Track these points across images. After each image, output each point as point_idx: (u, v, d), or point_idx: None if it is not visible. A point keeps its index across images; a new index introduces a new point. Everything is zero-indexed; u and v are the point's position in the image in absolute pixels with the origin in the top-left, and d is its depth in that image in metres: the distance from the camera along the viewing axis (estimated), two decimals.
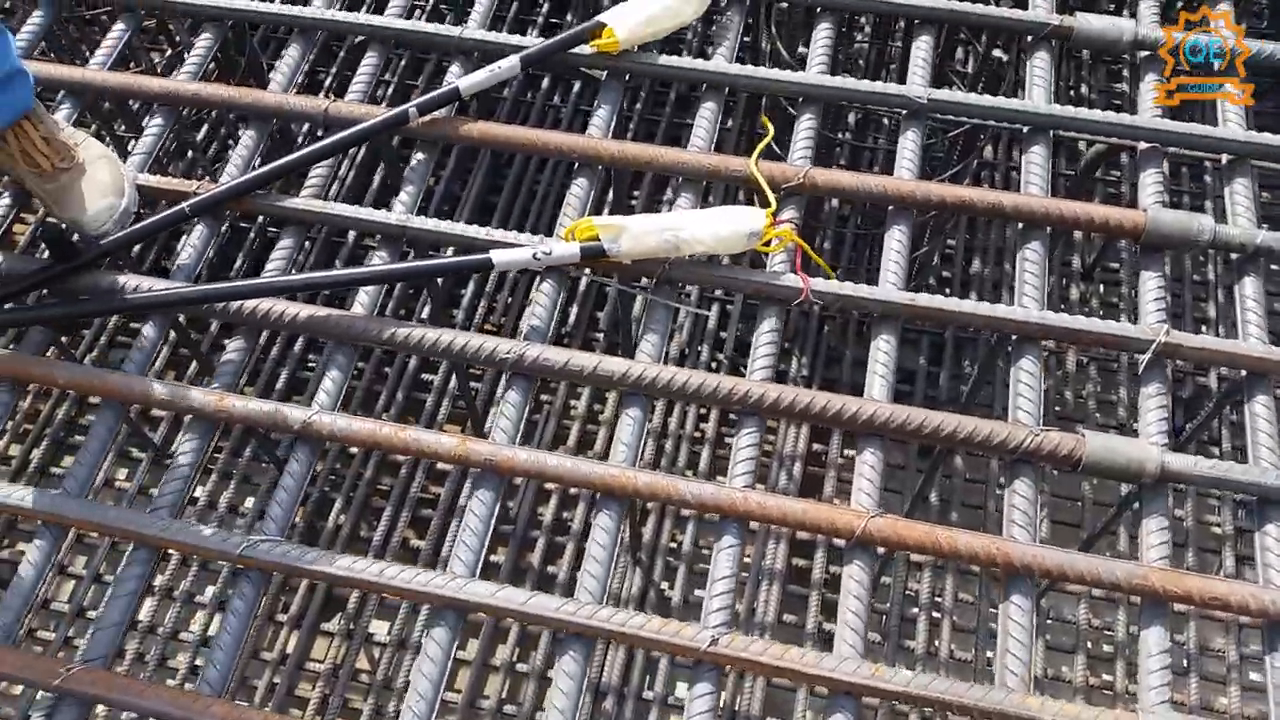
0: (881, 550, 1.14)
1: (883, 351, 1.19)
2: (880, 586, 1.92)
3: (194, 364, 2.15)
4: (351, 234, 2.29)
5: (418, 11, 2.47)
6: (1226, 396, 1.45)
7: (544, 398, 2.16)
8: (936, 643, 1.87)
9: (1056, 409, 2.15)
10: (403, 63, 2.56)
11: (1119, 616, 1.87)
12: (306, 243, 2.24)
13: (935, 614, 1.90)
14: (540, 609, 1.03)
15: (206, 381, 1.20)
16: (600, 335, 2.27)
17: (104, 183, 1.22)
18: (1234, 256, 1.24)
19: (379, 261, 1.26)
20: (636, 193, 2.36)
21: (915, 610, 1.91)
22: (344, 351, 1.20)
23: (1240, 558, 1.92)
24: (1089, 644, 1.87)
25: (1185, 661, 1.82)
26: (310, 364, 2.21)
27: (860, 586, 1.06)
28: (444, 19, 2.46)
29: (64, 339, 1.51)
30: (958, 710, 0.99)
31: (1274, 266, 1.30)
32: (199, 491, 2.04)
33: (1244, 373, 1.17)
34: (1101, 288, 2.30)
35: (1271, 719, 1.00)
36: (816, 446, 2.10)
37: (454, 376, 2.15)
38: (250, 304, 1.19)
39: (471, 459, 1.12)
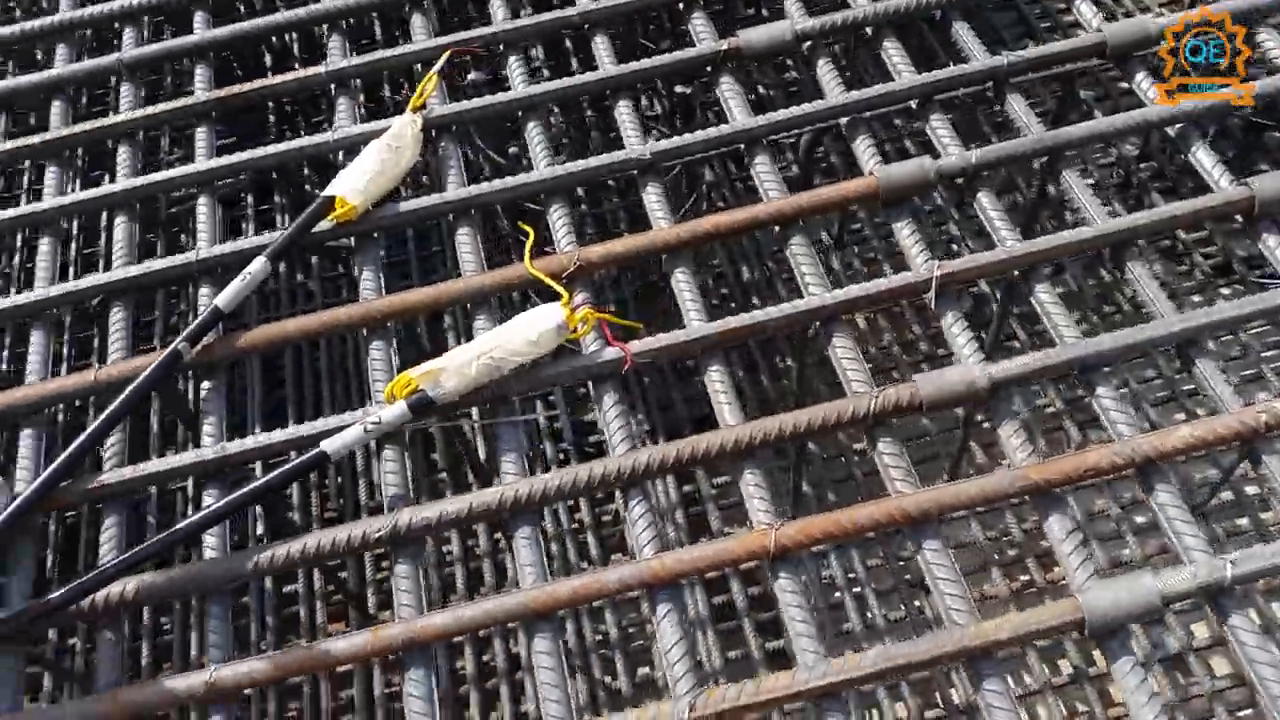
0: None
1: (718, 381, 1.25)
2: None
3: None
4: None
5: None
6: (1007, 300, 1.61)
7: None
8: (868, 614, 1.95)
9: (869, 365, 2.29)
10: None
11: (1009, 520, 2.01)
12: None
13: (855, 590, 1.98)
14: None
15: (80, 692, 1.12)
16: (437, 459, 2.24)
17: None
18: (959, 182, 1.39)
19: (211, 500, 1.21)
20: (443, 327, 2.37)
21: (837, 594, 1.98)
22: (216, 599, 1.14)
23: (1080, 425, 2.11)
24: (995, 556, 1.99)
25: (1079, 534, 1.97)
26: (166, 630, 2.05)
27: (796, 595, 1.10)
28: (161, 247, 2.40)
29: None
30: (929, 664, 1.05)
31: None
32: None
33: (1015, 273, 1.30)
34: (855, 249, 2.49)
35: (1180, 554, 1.11)
36: (686, 488, 2.15)
37: (315, 574, 2.07)
38: (103, 594, 1.11)
39: (391, 645, 1.09)
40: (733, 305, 2.39)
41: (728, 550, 1.12)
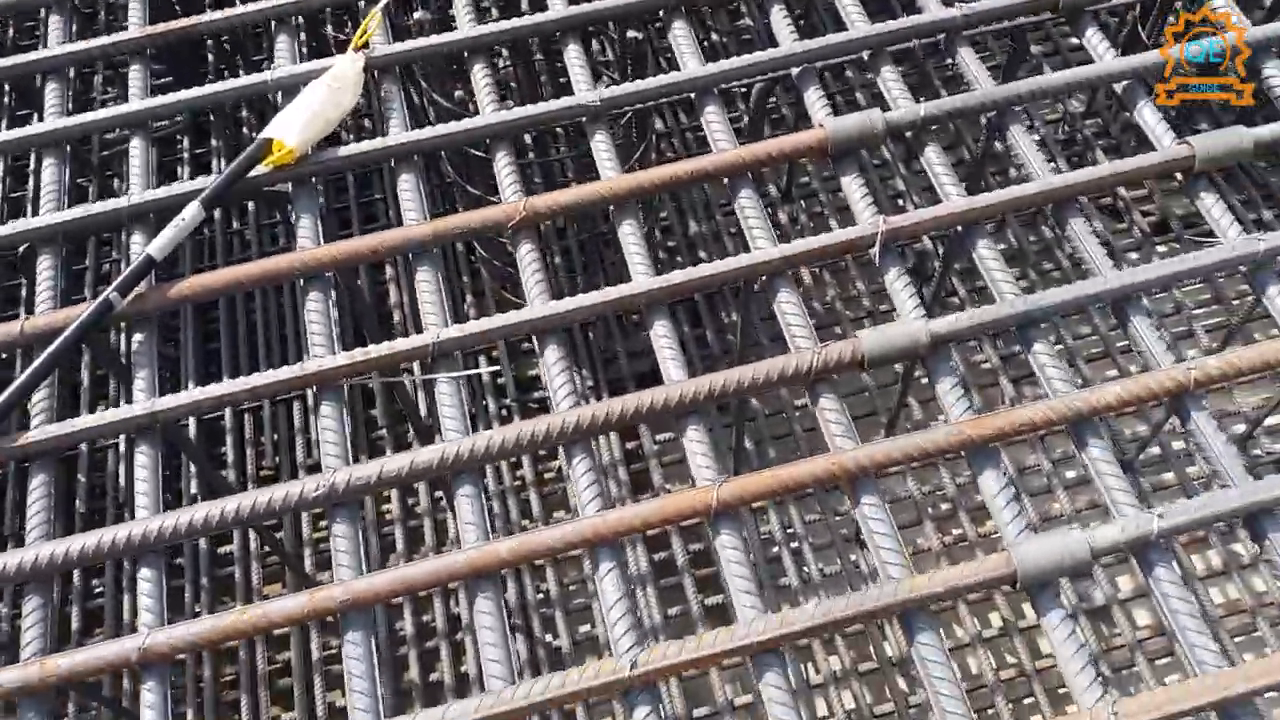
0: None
1: (663, 336, 1.24)
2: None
3: None
4: None
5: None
6: (949, 255, 1.62)
7: None
8: (805, 569, 1.97)
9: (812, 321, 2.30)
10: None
11: (942, 475, 2.05)
12: None
13: (792, 544, 2.00)
14: (459, 715, 1.01)
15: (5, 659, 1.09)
16: (383, 431, 2.21)
17: None
18: (908, 135, 1.38)
19: (144, 459, 1.17)
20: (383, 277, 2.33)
21: (775, 549, 2.00)
22: (147, 561, 1.12)
23: (1014, 380, 2.14)
24: (929, 509, 2.03)
25: (1013, 487, 2.01)
26: (99, 591, 2.01)
27: (736, 551, 1.11)
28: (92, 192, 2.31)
29: None
30: (865, 618, 1.06)
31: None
32: None
33: (959, 228, 1.30)
34: (803, 203, 2.48)
35: (1110, 507, 1.13)
36: (629, 445, 2.15)
37: (250, 535, 2.03)
38: (30, 556, 1.08)
39: (329, 607, 1.07)
40: (679, 259, 2.38)
41: (670, 507, 1.11)
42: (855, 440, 1.17)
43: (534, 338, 1.24)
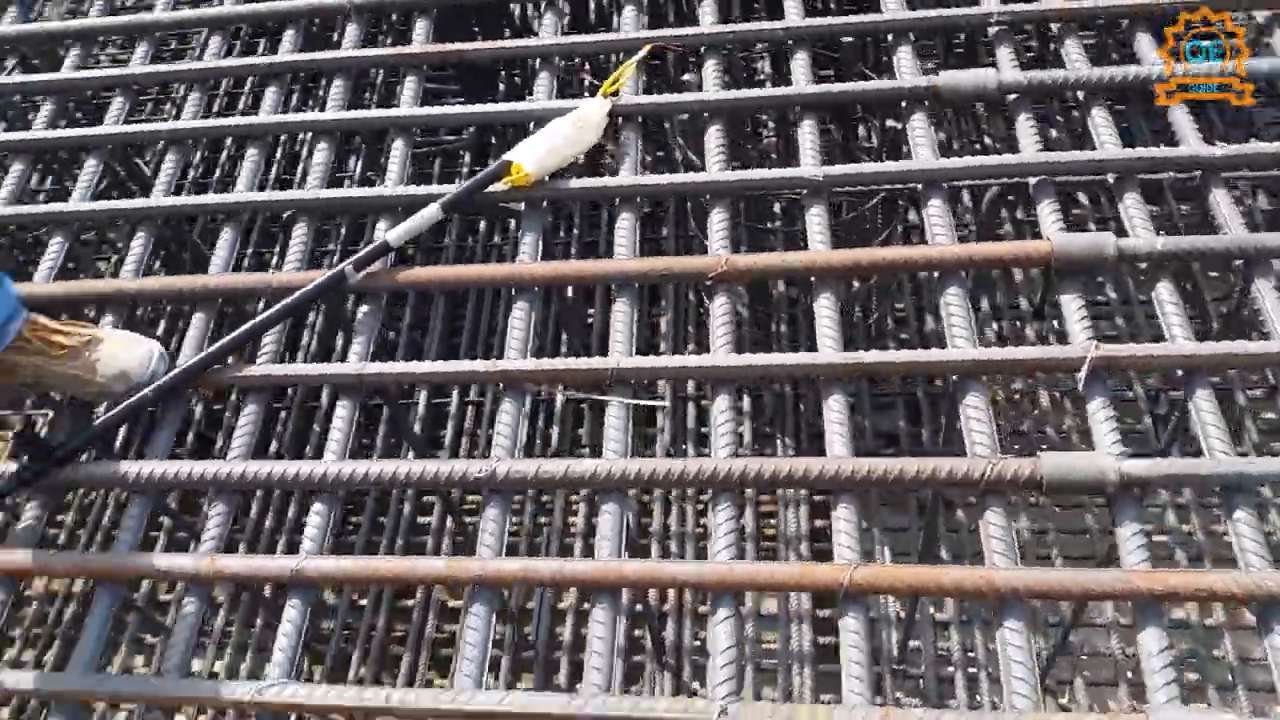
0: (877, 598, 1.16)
1: (835, 411, 1.25)
2: (911, 650, 1.92)
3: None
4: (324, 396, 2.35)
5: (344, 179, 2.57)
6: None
7: (541, 520, 2.18)
8: (977, 697, 1.86)
9: (1042, 444, 2.18)
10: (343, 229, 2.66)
11: None
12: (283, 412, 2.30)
13: (970, 669, 1.90)
14: (545, 706, 1.05)
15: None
16: (586, 450, 2.31)
17: (130, 337, 1.33)
18: (1142, 266, 1.31)
19: (343, 411, 1.31)
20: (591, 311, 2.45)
21: (950, 669, 1.90)
22: (322, 499, 1.25)
23: None
24: (1129, 674, 1.86)
25: (1230, 675, 1.82)
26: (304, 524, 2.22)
27: (857, 636, 1.09)
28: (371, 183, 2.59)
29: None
30: None
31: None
32: (217, 666, 2.04)
33: (1179, 372, 1.22)
34: (1055, 324, 2.37)
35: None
36: (819, 523, 2.12)
37: (448, 515, 2.18)
38: (223, 468, 1.24)
39: (460, 577, 1.16)
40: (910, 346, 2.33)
41: (799, 575, 1.11)
42: (1015, 560, 1.12)
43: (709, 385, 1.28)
